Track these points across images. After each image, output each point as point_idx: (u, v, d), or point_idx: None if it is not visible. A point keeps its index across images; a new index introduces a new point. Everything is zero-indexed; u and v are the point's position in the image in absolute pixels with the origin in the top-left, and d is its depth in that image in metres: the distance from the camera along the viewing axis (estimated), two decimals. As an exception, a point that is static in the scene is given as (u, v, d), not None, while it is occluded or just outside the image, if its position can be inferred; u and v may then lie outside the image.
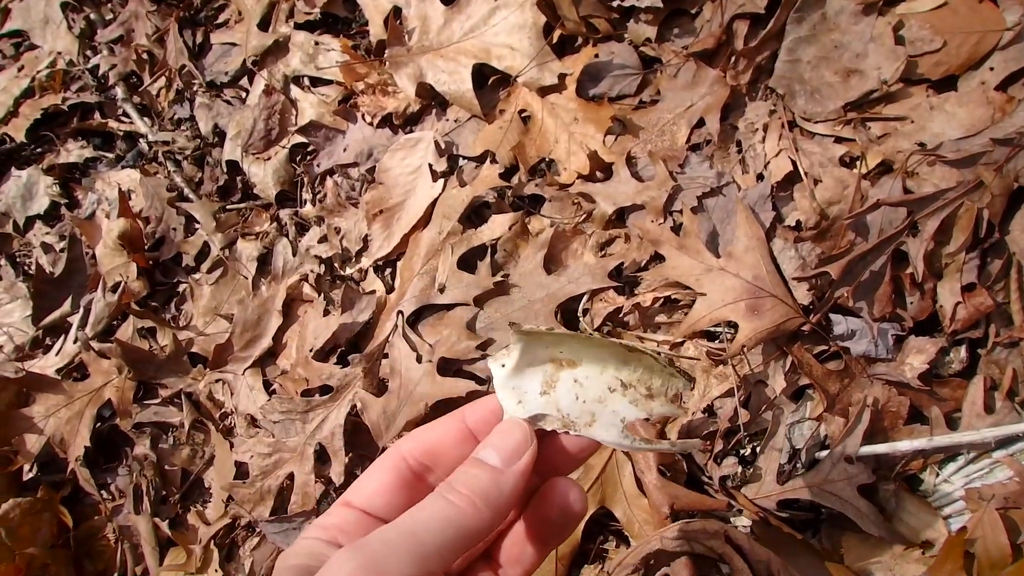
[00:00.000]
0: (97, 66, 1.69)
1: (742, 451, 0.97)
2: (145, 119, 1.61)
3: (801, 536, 0.91)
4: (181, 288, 1.45)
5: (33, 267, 1.57)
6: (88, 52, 1.72)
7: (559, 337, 0.58)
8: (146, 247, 1.47)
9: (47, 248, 1.59)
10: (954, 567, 0.83)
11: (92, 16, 1.74)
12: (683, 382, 0.58)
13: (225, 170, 1.48)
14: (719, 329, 1.03)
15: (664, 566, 0.95)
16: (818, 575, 0.88)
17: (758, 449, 0.97)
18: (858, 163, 1.02)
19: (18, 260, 1.63)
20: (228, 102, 1.53)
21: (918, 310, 0.95)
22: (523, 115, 1.24)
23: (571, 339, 0.59)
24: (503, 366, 0.58)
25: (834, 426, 0.94)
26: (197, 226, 1.46)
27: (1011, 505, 0.85)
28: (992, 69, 1.01)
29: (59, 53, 1.73)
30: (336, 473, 1.14)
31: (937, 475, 0.90)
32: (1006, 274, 0.93)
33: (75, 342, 1.43)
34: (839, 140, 1.05)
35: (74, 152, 1.65)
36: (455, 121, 1.31)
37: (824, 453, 0.93)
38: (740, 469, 0.96)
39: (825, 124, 1.06)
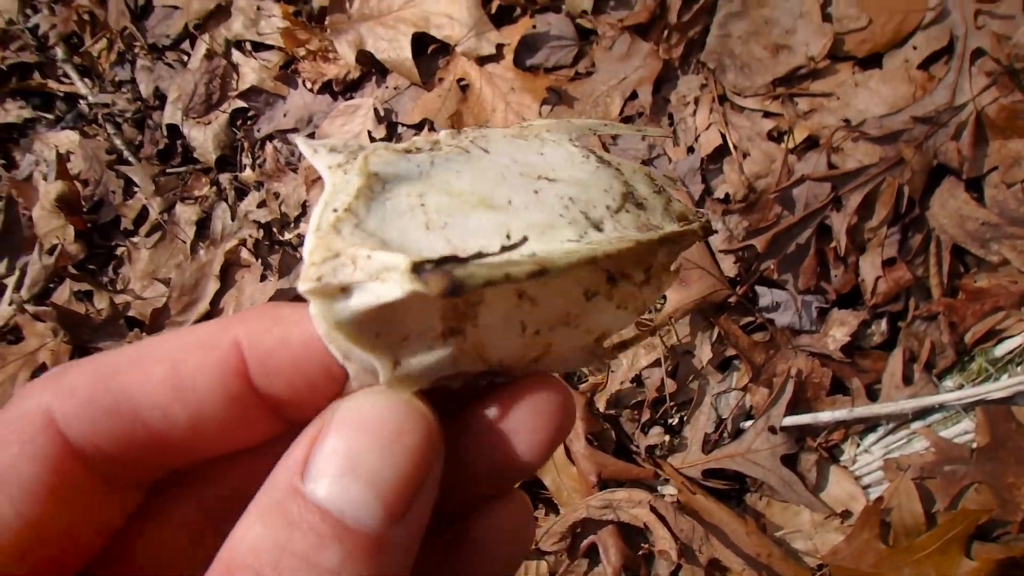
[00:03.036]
0: (37, 25, 1.42)
1: (669, 421, 0.84)
2: (86, 80, 1.36)
3: (725, 505, 0.79)
4: (119, 251, 1.24)
5: (-29, 228, 1.32)
6: (28, 11, 1.44)
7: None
8: (84, 210, 1.25)
9: (-16, 209, 1.34)
10: (871, 535, 0.72)
11: (32, -25, 1.46)
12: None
13: (165, 134, 1.26)
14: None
15: (591, 534, 0.82)
16: (740, 544, 0.76)
17: (685, 419, 0.84)
18: (785, 138, 0.88)
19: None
20: (170, 65, 1.30)
21: (841, 283, 0.82)
22: (461, 84, 1.06)
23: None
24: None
25: (759, 396, 0.81)
26: (136, 189, 1.24)
27: (927, 475, 0.73)
28: (915, 48, 0.88)
29: (-2, 12, 1.45)
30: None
31: (858, 445, 0.78)
32: (925, 249, 0.81)
33: (10, 304, 1.20)
34: (767, 115, 0.91)
35: (12, 112, 1.39)
36: (395, 89, 1.11)
37: (749, 423, 0.81)
38: (667, 438, 0.83)
39: (754, 98, 0.91)
